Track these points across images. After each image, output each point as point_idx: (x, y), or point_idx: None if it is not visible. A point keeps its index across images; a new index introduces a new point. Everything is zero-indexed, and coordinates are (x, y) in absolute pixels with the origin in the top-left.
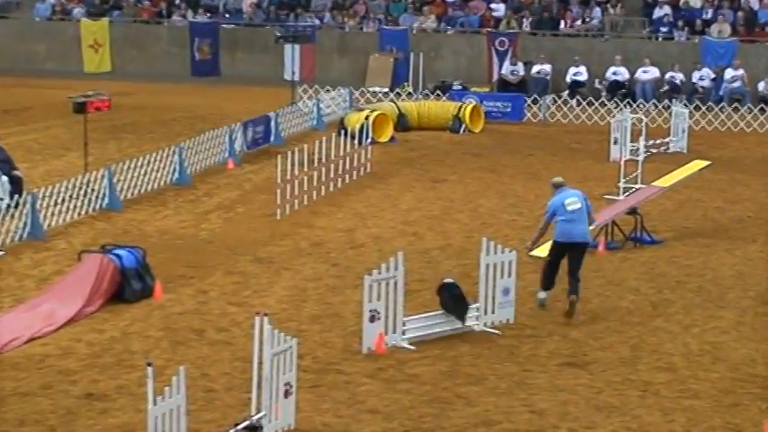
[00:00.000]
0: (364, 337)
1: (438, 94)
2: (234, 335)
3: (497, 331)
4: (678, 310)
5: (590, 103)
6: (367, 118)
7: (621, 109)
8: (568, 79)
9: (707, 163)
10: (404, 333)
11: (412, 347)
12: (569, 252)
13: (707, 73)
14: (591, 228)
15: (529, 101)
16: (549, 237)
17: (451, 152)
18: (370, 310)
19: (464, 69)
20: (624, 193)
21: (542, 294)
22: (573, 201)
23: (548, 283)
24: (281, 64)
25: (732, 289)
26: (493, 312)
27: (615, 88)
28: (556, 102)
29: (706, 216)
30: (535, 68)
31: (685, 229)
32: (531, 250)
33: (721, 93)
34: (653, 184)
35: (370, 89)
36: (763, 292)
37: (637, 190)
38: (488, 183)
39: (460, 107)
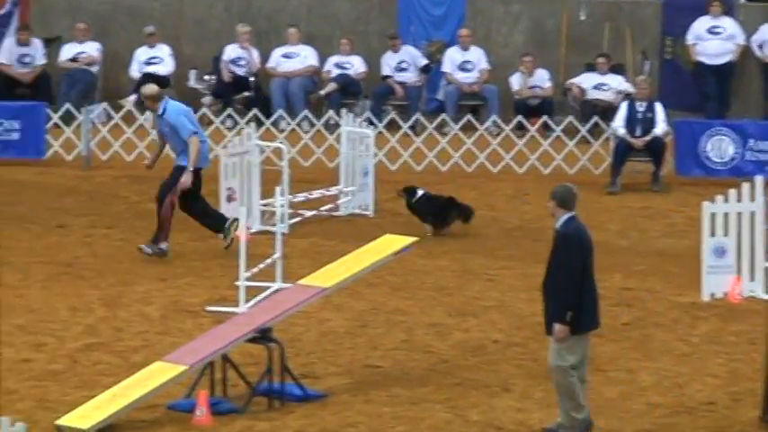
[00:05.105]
0: None
1: None
2: None
3: None
4: None
5: None
6: None
7: (243, 130)
8: (136, 71)
9: (411, 240)
10: None
11: None
12: None
13: (411, 57)
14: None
15: (56, 117)
16: None
17: None
18: None
19: None
20: (248, 300)
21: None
22: None
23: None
24: None
25: None
26: None
27: (232, 89)
28: (110, 117)
29: (411, 342)
30: (69, 50)
31: (371, 370)
32: None
33: (440, 96)
34: (304, 281)
35: None
36: None
37: (274, 293)
38: None
39: None
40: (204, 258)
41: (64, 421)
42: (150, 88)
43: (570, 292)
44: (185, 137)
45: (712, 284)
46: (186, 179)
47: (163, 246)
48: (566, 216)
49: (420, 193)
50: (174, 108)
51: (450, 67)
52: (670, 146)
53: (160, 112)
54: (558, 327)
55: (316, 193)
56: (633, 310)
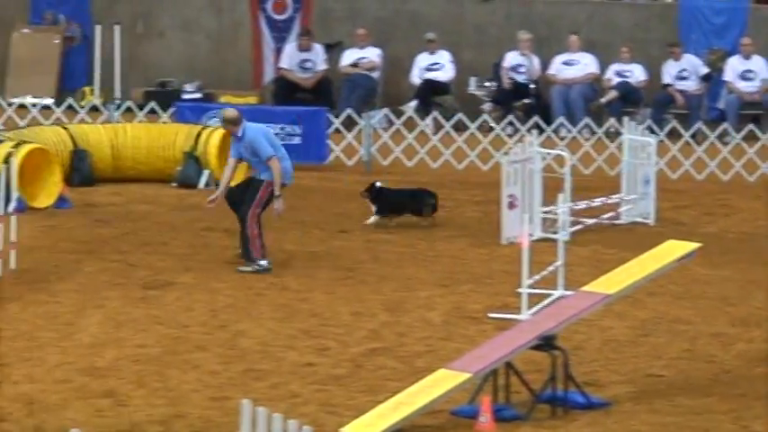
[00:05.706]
0: None
1: (153, 110)
2: None
3: None
4: None
5: (460, 127)
6: (8, 159)
7: (525, 137)
8: (417, 77)
9: (694, 245)
10: None
11: None
12: None
13: (692, 65)
14: None
15: (337, 122)
16: None
17: (183, 227)
18: None
19: (206, 58)
20: (531, 307)
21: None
22: None
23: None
24: None
25: None
26: None
27: (512, 96)
28: (391, 123)
29: (694, 352)
30: (350, 56)
31: (654, 380)
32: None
33: (721, 105)
34: (586, 287)
35: (14, 100)
36: None
37: (556, 300)
38: (260, 288)
39: (199, 136)
40: (485, 265)
41: (349, 429)
42: (231, 112)
43: None
44: (264, 158)
45: None
46: (279, 205)
47: (263, 262)
48: None
49: (378, 185)
50: (253, 130)
51: (732, 76)
52: None
53: (240, 134)
54: None
55: (597, 201)
56: None
